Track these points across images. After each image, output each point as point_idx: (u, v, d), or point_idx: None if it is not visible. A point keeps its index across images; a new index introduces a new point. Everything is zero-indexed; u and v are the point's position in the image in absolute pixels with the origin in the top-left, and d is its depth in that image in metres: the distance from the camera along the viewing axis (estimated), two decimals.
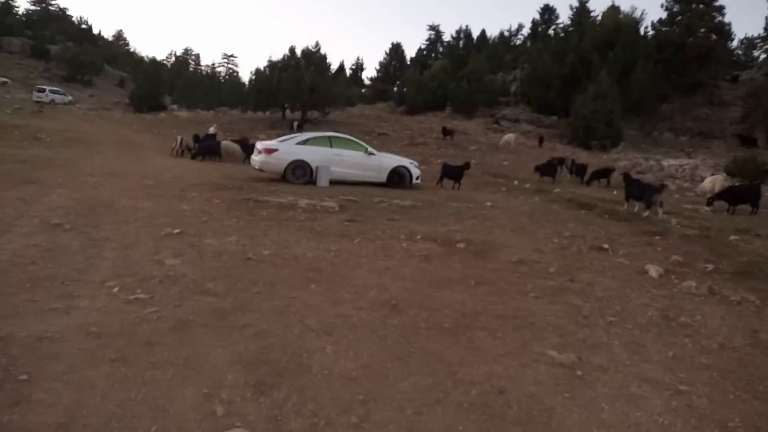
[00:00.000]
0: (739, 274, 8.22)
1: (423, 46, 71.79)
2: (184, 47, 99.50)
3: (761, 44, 41.29)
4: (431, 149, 29.79)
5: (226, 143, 22.89)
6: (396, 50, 71.40)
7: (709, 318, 6.23)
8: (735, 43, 46.85)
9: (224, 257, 7.20)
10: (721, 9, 39.60)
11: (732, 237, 10.60)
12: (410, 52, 77.13)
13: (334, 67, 50.57)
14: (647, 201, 13.03)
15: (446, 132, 33.14)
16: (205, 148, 22.15)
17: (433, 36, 70.76)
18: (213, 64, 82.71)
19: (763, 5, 37.42)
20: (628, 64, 35.61)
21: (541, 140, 32.86)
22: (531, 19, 65.64)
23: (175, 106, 54.25)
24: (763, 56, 40.87)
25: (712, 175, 20.71)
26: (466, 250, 8.59)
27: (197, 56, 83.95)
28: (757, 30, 48.50)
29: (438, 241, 8.95)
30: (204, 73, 78.67)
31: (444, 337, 5.01)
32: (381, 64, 71.24)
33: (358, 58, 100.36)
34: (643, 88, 34.96)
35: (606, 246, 9.53)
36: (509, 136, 32.59)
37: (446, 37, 69.62)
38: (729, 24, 40.44)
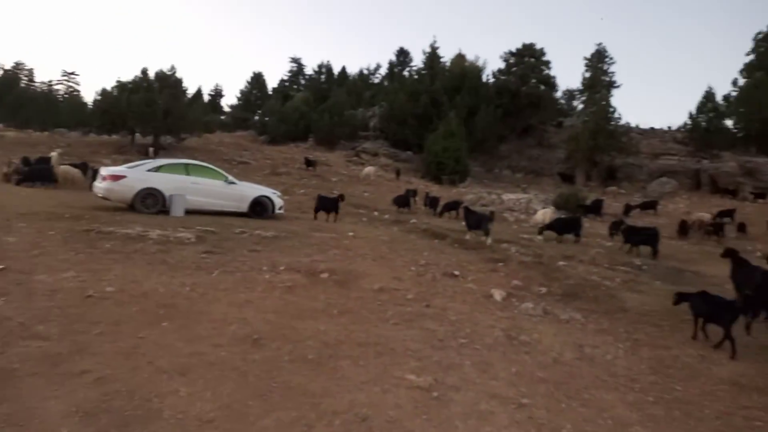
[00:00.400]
0: (567, 296, 9.32)
1: (285, 77, 72.09)
2: (15, 60, 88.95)
3: (579, 96, 47.99)
4: (294, 179, 29.74)
5: (65, 168, 20.62)
6: (257, 79, 70.72)
7: (544, 336, 6.97)
8: (559, 94, 53.96)
9: (59, 295, 6.45)
10: (548, 63, 45.53)
11: (560, 263, 12.00)
12: (272, 82, 76.70)
13: (191, 91, 48.62)
14: (484, 229, 14.38)
15: (309, 163, 33.34)
16: (35, 173, 19.67)
17: (295, 68, 71.42)
18: (50, 82, 74.60)
19: (581, 63, 45.14)
20: (473, 106, 39.21)
21: (398, 173, 34.52)
22: (388, 60, 69.12)
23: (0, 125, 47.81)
24: (581, 106, 47.40)
25: (543, 208, 23.38)
26: (329, 280, 8.66)
27: (30, 71, 75.23)
28: (576, 83, 56.82)
29: (302, 272, 8.92)
30: (39, 90, 70.62)
31: (308, 368, 4.99)
32: (242, 92, 70.02)
33: (216, 85, 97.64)
34: (485, 129, 38.64)
35: (457, 273, 10.22)
36: (369, 169, 33.77)
37: (308, 71, 70.76)
38: (554, 77, 46.69)
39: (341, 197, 17.60)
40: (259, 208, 15.40)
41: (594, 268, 12.14)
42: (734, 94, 41.31)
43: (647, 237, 15.17)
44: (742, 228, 21.77)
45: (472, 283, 9.64)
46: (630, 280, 11.14)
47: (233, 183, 15.39)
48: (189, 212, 14.17)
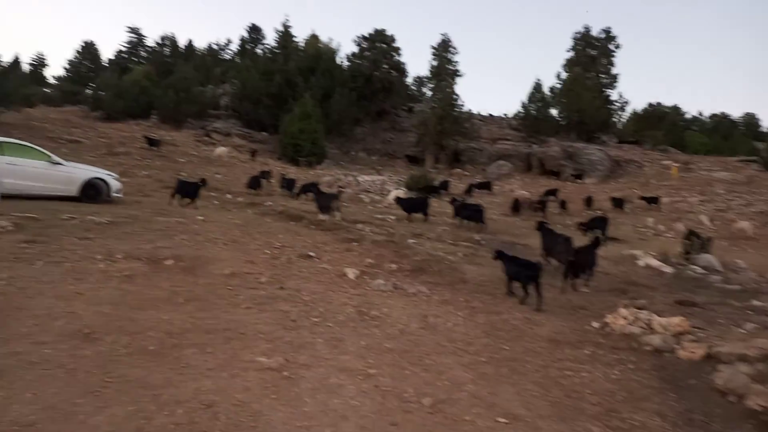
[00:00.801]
0: (415, 271, 9.87)
1: (122, 49, 65.57)
2: None
3: (428, 82, 50.52)
4: (134, 160, 27.34)
5: None
6: (88, 49, 63.35)
7: (393, 309, 7.34)
8: (410, 80, 56.32)
9: None
10: (398, 50, 47.13)
11: (410, 240, 12.66)
12: (106, 53, 69.24)
13: (6, 60, 42.09)
14: (333, 207, 14.77)
15: (151, 142, 30.83)
16: None
17: (134, 39, 65.27)
18: None
19: (429, 52, 47.77)
20: (328, 89, 39.30)
21: (254, 154, 33.49)
22: (239, 36, 66.11)
23: None
24: (429, 93, 49.97)
25: (396, 189, 24.42)
26: (175, 267, 8.19)
27: None
28: (425, 71, 59.81)
29: (143, 260, 8.31)
30: None
31: (148, 360, 4.71)
32: (70, 63, 62.32)
33: (38, 53, 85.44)
34: (341, 111, 39.02)
35: (312, 254, 10.29)
36: (221, 150, 32.26)
37: (149, 42, 65.11)
38: (405, 63, 48.57)
39: (203, 182, 16.54)
40: (92, 191, 13.94)
41: (440, 244, 12.99)
42: (558, 86, 46.40)
43: (474, 212, 16.92)
44: (563, 205, 24.72)
45: (327, 264, 9.77)
46: (470, 254, 12.12)
47: (59, 164, 13.73)
48: (5, 197, 12.41)
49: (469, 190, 28.20)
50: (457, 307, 7.99)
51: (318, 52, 43.03)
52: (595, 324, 7.51)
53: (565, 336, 7.05)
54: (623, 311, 7.54)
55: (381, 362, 5.25)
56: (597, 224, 17.70)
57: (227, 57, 64.20)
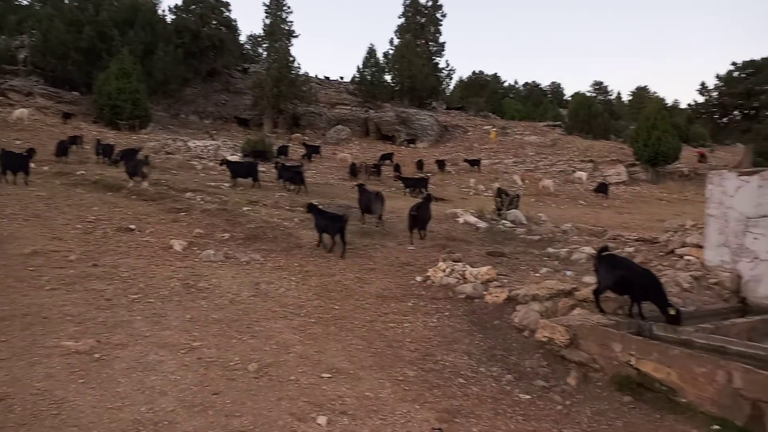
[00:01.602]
0: (249, 239, 9.70)
1: None
2: None
3: (262, 42, 48.61)
4: None
5: None
6: None
7: (223, 279, 7.16)
8: (243, 38, 53.69)
9: None
10: (227, 5, 44.37)
11: (245, 208, 12.35)
12: None
13: None
14: (140, 174, 13.79)
15: None
16: None
17: None
18: None
19: (261, 9, 45.44)
20: (150, 44, 35.79)
21: (66, 117, 29.49)
22: None
23: None
24: (264, 54, 48.21)
25: (232, 155, 23.46)
26: None
27: None
28: (259, 29, 57.40)
29: None
30: None
31: None
32: None
33: None
34: (166, 70, 35.90)
35: (133, 227, 9.54)
36: (21, 111, 27.79)
37: None
38: (236, 20, 45.99)
39: (31, 152, 13.95)
40: None
41: (276, 210, 12.87)
42: (391, 52, 47.81)
43: (294, 174, 17.29)
44: (397, 168, 25.93)
45: (151, 236, 9.16)
46: (307, 219, 12.19)
47: None
48: None
49: (308, 155, 28.13)
50: (291, 272, 8.05)
51: (135, 3, 38.81)
52: (419, 278, 8.11)
53: (392, 291, 7.53)
54: (442, 264, 8.25)
55: (206, 334, 5.14)
56: (418, 183, 20.40)
57: (25, 3, 54.95)
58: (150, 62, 35.13)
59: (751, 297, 7.27)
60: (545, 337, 5.76)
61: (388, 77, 46.48)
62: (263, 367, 4.52)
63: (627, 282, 5.90)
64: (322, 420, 3.70)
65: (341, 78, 55.90)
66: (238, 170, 17.14)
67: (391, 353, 5.27)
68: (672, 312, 5.61)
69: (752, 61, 37.89)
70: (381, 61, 45.53)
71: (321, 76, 54.62)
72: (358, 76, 44.32)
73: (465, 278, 7.89)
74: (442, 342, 5.77)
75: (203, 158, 25.33)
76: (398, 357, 5.19)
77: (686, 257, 8.27)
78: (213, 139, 30.34)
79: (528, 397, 4.59)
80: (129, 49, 32.98)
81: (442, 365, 5.13)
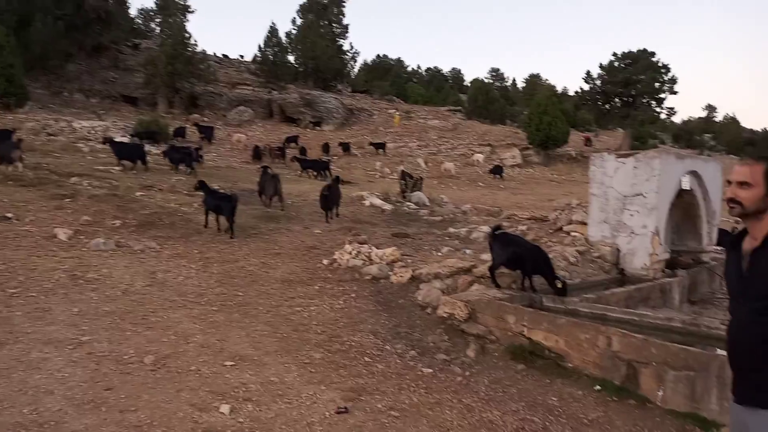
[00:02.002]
0: (143, 226, 9.16)
1: None
2: None
3: (155, 16, 45.61)
4: None
5: None
6: None
7: (115, 269, 6.73)
8: (134, 12, 49.98)
9: None
10: None
11: (138, 193, 11.62)
12: None
13: None
14: (7, 159, 12.51)
15: None
16: None
17: None
18: None
19: None
20: (25, 15, 32.28)
21: None
22: None
23: None
24: (158, 29, 45.27)
25: (122, 136, 21.88)
26: None
27: None
28: (151, 3, 53.62)
29: None
30: None
31: None
32: None
33: None
34: (45, 43, 32.58)
35: (10, 215, 8.67)
36: None
37: None
38: None
39: None
40: None
41: (173, 195, 12.26)
42: (294, 32, 46.77)
43: (184, 156, 16.96)
44: (303, 152, 25.60)
45: (31, 225, 8.38)
46: None
47: None
48: None
49: (207, 136, 26.91)
50: (191, 259, 7.73)
51: None
52: (325, 261, 8.11)
53: (298, 275, 7.47)
54: (348, 247, 8.30)
55: (97, 327, 4.81)
56: (315, 165, 20.83)
57: None
58: (26, 35, 31.73)
59: (628, 268, 8.03)
60: (446, 313, 6.00)
61: (291, 58, 45.47)
62: (161, 359, 4.32)
63: (518, 258, 6.29)
64: (225, 408, 3.62)
65: (241, 57, 53.91)
66: (122, 151, 16.02)
67: (297, 337, 5.25)
68: (559, 285, 6.07)
69: (630, 52, 41.33)
70: (283, 41, 44.38)
71: (219, 55, 52.27)
72: (259, 55, 42.92)
73: (371, 260, 8.00)
74: (349, 323, 5.83)
75: (90, 140, 23.46)
76: (304, 340, 5.18)
77: (573, 233, 8.94)
78: (101, 120, 28.13)
79: (430, 370, 4.77)
80: (0, 20, 29.56)
81: (348, 346, 5.18)
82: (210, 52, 47.36)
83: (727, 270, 2.22)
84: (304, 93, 40.92)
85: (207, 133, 27.35)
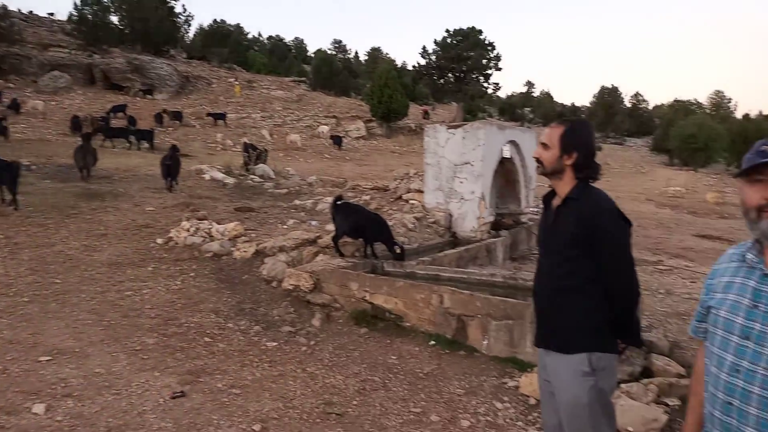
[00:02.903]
0: None
1: None
2: None
3: None
4: None
5: None
6: None
7: None
8: None
9: None
10: None
11: None
12: None
13: None
14: None
15: None
16: None
17: None
18: None
19: None
20: None
21: None
22: None
23: None
24: None
25: None
26: None
27: None
28: None
29: None
30: None
31: None
32: None
33: None
34: None
35: None
36: None
37: None
38: None
39: None
40: None
41: None
42: None
43: None
44: (132, 122, 23.35)
45: None
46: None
47: None
48: None
49: (12, 106, 23.26)
50: None
51: None
52: (160, 240, 7.57)
53: (128, 257, 6.87)
54: (185, 224, 7.83)
55: None
56: (122, 134, 19.84)
57: None
58: None
59: (459, 231, 8.70)
60: (291, 285, 5.98)
61: (114, 18, 40.85)
62: None
63: (360, 227, 6.47)
64: (38, 408, 3.22)
65: (51, 15, 47.16)
66: None
67: (128, 323, 4.85)
68: (397, 250, 6.37)
69: (461, 30, 44.09)
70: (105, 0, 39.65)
71: (24, 12, 45.13)
72: (76, 14, 37.87)
73: (211, 236, 7.65)
74: (187, 304, 5.53)
75: None
76: (136, 326, 4.80)
77: (411, 201, 9.42)
78: None
79: (275, 344, 4.73)
80: None
81: (186, 328, 4.92)
82: (12, 7, 40.64)
83: (540, 224, 2.47)
84: (132, 58, 37.07)
85: (13, 101, 23.64)
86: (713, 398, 1.44)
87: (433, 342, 4.89)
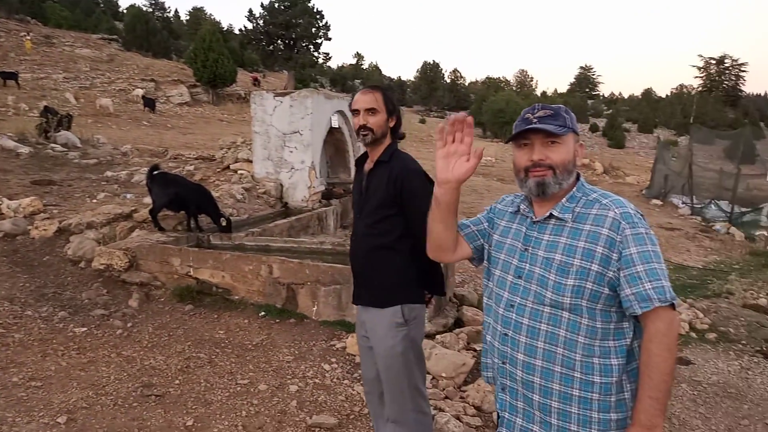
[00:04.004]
0: None
1: None
2: None
3: None
4: None
5: None
6: None
7: None
8: None
9: None
10: None
11: None
12: None
13: None
14: None
15: None
16: None
17: None
18: None
19: None
20: None
21: None
22: None
23: None
24: None
25: None
26: None
27: None
28: None
29: None
30: None
31: None
32: None
33: None
34: None
35: None
36: None
37: None
38: None
39: None
40: None
41: None
42: None
43: None
44: None
45: None
46: None
47: None
48: None
49: None
50: None
51: None
52: None
53: None
54: None
55: None
56: None
57: None
58: None
59: (291, 201, 8.67)
60: (103, 264, 5.46)
61: None
62: None
63: (181, 198, 6.09)
64: None
65: None
66: None
67: None
68: (224, 222, 6.15)
69: None
70: None
71: None
72: None
73: (2, 213, 6.62)
74: None
75: None
76: None
77: (239, 171, 9.10)
78: None
79: (84, 329, 4.29)
80: None
81: None
82: None
83: (353, 189, 2.54)
84: None
85: None
86: (493, 330, 1.65)
87: (263, 313, 4.86)
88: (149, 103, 25.42)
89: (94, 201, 7.85)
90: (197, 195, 6.17)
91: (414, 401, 2.38)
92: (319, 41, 44.05)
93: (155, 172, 6.18)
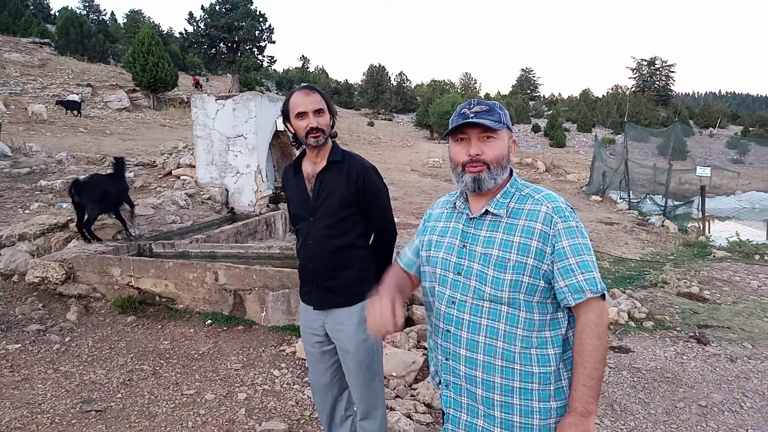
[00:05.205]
0: None
1: None
2: None
3: None
4: None
5: None
6: None
7: None
8: None
9: None
10: None
11: None
12: None
13: None
14: None
15: None
16: None
17: None
18: None
19: None
20: None
21: None
22: None
23: None
24: None
25: None
26: None
27: None
28: None
29: None
30: None
31: None
32: None
33: None
34: None
35: None
36: None
37: None
38: None
39: None
40: None
41: None
42: None
43: None
44: None
45: None
46: None
47: None
48: None
49: None
50: None
51: None
52: None
53: None
54: None
55: None
56: None
57: None
58: None
59: (237, 206, 8.52)
60: (37, 277, 5.20)
61: None
62: None
63: (108, 195, 5.86)
64: None
65: None
66: None
67: None
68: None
69: None
70: None
71: None
72: None
73: None
74: None
75: None
76: None
77: (182, 177, 8.87)
78: None
79: (18, 345, 4.08)
80: None
81: None
82: None
83: (292, 194, 2.42)
84: None
85: None
86: (436, 328, 1.68)
87: (209, 321, 4.75)
88: (71, 105, 24.15)
89: (27, 212, 7.47)
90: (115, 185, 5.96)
91: (381, 395, 2.44)
92: (263, 44, 43.50)
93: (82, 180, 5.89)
